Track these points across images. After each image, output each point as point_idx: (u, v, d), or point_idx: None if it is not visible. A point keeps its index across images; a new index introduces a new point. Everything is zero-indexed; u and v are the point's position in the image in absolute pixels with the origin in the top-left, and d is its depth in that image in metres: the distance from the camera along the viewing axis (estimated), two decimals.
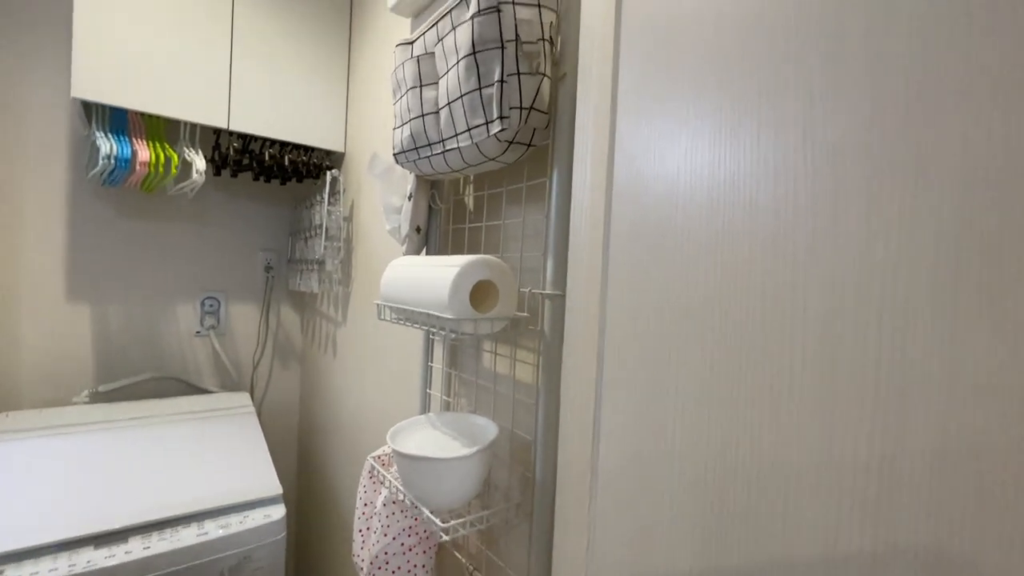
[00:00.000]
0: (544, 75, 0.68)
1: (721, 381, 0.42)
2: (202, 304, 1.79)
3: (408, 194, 0.95)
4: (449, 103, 0.74)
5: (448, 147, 0.77)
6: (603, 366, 0.57)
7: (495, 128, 0.67)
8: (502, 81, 0.66)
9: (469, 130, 0.71)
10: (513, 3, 0.66)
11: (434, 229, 1.00)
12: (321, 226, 1.55)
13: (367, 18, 1.52)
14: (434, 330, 0.73)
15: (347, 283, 1.58)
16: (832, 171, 0.35)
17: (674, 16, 0.48)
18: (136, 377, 1.65)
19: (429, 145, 0.81)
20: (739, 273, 0.40)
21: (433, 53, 0.78)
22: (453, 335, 0.68)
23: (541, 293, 0.72)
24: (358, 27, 1.59)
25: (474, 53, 0.67)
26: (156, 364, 1.72)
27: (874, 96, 0.33)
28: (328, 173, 1.53)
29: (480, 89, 0.68)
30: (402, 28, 1.31)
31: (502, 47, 0.66)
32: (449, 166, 0.80)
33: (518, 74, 0.66)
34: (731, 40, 0.42)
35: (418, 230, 0.95)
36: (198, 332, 1.79)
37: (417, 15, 1.24)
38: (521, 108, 0.67)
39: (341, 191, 1.59)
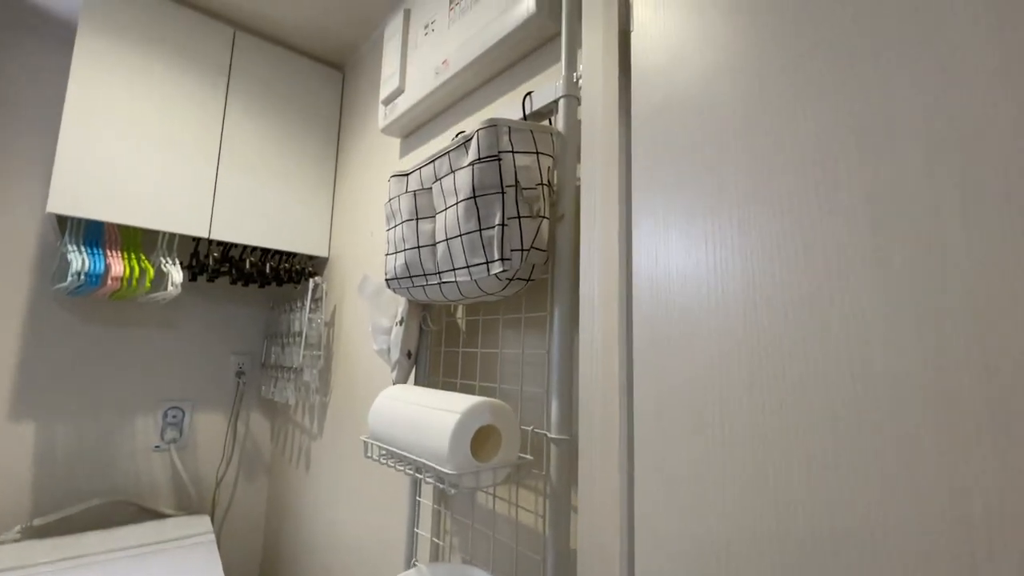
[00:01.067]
0: (544, 217, 0.69)
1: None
2: (164, 415, 1.66)
3: (399, 318, 0.92)
4: (447, 239, 0.74)
5: (445, 279, 0.76)
6: (632, 527, 0.52)
7: (496, 268, 0.66)
8: (503, 225, 0.66)
9: (468, 267, 0.70)
10: (513, 152, 0.68)
11: (424, 350, 0.97)
12: (300, 333, 1.50)
13: (355, 129, 1.58)
14: (429, 480, 0.67)
15: (325, 392, 1.50)
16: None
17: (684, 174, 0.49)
18: (80, 505, 1.47)
19: (424, 275, 0.80)
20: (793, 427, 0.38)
21: (430, 189, 0.79)
22: (453, 489, 0.63)
23: (546, 436, 0.68)
24: (346, 137, 1.64)
25: (474, 197, 0.68)
26: (106, 486, 1.55)
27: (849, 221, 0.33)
28: (311, 280, 1.51)
29: (480, 231, 0.68)
30: (390, 144, 1.36)
31: (502, 192, 0.67)
32: (445, 296, 0.79)
33: (519, 217, 0.67)
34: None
35: (408, 355, 0.91)
36: (157, 447, 1.65)
37: (407, 136, 1.29)
38: (522, 250, 0.67)
39: (323, 296, 1.56)
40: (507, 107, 0.95)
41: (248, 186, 1.48)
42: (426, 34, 1.11)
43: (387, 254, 0.89)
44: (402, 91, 1.17)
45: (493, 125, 0.67)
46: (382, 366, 1.22)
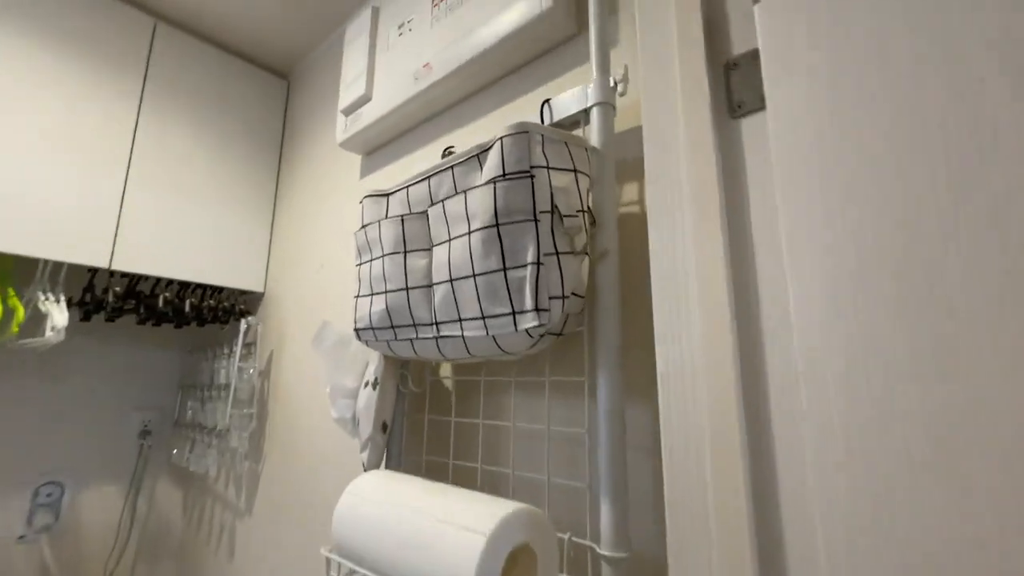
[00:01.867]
0: (585, 254, 0.53)
1: None
2: (35, 494, 1.30)
3: (369, 378, 0.71)
4: (452, 280, 0.55)
5: (445, 333, 0.57)
6: None
7: (527, 321, 0.49)
8: (537, 263, 0.49)
9: (484, 318, 0.52)
10: (548, 167, 0.51)
11: (399, 416, 0.75)
12: (228, 387, 1.22)
13: (302, 145, 1.36)
14: None
15: (257, 459, 1.22)
16: None
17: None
18: None
19: (414, 326, 0.61)
20: None
21: (425, 215, 0.61)
22: None
23: (592, 550, 0.50)
24: (290, 154, 1.41)
25: (497, 225, 0.51)
26: None
27: None
28: (243, 321, 1.24)
29: (505, 270, 0.50)
30: (348, 161, 1.16)
31: (535, 220, 0.50)
32: (442, 354, 0.60)
33: (556, 254, 0.50)
34: None
35: (384, 428, 0.70)
36: (22, 537, 1.27)
37: (370, 153, 1.10)
38: (563, 297, 0.50)
39: (257, 341, 1.29)
40: (506, 119, 0.80)
41: (165, 206, 1.21)
42: (400, 35, 0.94)
43: (358, 296, 0.69)
44: (369, 99, 0.98)
45: (524, 131, 0.51)
46: (333, 429, 0.99)
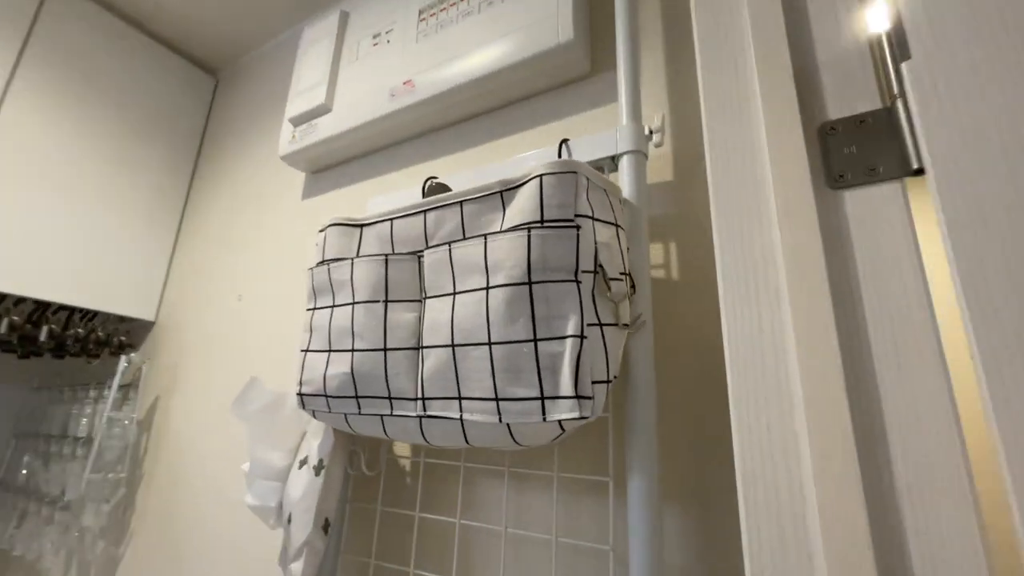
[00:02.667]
0: (626, 326, 0.44)
1: None
2: None
3: (311, 459, 0.55)
4: (453, 345, 0.43)
5: (435, 412, 0.44)
6: None
7: (562, 411, 0.38)
8: (580, 336, 0.38)
9: (498, 400, 0.40)
10: (592, 218, 0.42)
11: (340, 503, 0.59)
12: (90, 442, 0.94)
13: (227, 153, 1.16)
14: None
15: (118, 540, 0.94)
16: None
17: None
18: None
19: (390, 399, 0.47)
20: None
21: (418, 256, 0.48)
22: None
23: None
24: (210, 162, 1.20)
25: (530, 283, 0.40)
26: None
27: None
28: (122, 356, 0.98)
29: (536, 341, 0.39)
30: (288, 177, 0.99)
31: (576, 280, 0.40)
32: (427, 439, 0.46)
33: (600, 325, 0.40)
34: None
35: (326, 528, 0.53)
36: None
37: (318, 171, 0.94)
38: (607, 381, 0.40)
39: (140, 383, 1.03)
40: (499, 153, 0.70)
41: (25, 204, 0.95)
42: (375, 44, 0.83)
43: (307, 350, 0.53)
44: (328, 110, 0.84)
45: (573, 171, 0.41)
46: (235, 506, 0.78)
